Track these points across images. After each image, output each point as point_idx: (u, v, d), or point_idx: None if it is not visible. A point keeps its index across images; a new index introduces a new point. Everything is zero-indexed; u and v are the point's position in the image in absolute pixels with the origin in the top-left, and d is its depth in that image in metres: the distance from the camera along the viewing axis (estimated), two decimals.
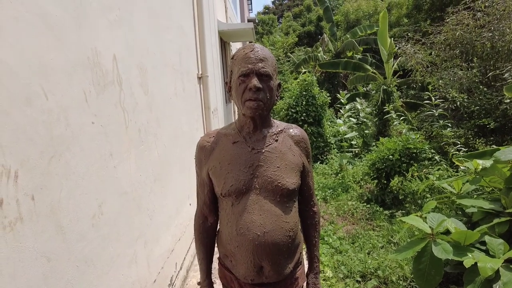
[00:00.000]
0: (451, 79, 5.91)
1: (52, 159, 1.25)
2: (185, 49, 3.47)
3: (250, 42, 1.28)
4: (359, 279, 2.86)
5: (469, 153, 3.40)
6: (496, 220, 2.20)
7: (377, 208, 4.20)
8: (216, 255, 1.38)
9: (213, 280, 1.42)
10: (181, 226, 2.94)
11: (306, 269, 1.40)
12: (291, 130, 1.27)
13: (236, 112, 8.37)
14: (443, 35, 6.37)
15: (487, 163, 2.54)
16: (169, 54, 2.89)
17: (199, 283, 2.08)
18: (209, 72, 4.24)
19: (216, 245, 1.36)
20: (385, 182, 4.52)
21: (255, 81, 1.08)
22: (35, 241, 1.14)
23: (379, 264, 2.98)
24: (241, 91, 1.12)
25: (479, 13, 5.90)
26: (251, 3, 21.61)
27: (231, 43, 8.25)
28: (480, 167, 2.59)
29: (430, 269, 2.08)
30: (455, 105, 5.72)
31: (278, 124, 1.27)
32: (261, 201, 1.13)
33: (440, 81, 6.18)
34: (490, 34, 5.38)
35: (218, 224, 1.30)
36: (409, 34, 8.43)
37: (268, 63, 1.12)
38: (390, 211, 4.14)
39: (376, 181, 4.61)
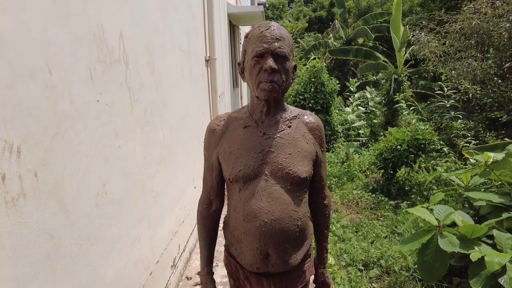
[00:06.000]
0: (465, 69, 5.74)
1: (55, 135, 1.23)
2: (193, 31, 3.40)
3: None
4: (361, 267, 2.85)
5: (480, 145, 3.33)
6: (505, 215, 2.16)
7: (382, 198, 4.17)
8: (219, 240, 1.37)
9: (216, 264, 1.41)
10: (185, 209, 2.95)
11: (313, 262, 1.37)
12: (305, 117, 1.21)
13: (244, 98, 8.31)
14: (459, 24, 6.16)
15: (499, 156, 2.48)
16: (177, 34, 2.83)
17: (199, 273, 2.07)
18: (217, 55, 4.17)
19: (223, 232, 1.34)
20: (391, 172, 4.46)
21: (270, 62, 1.02)
22: (38, 217, 1.13)
23: (382, 253, 2.96)
24: (255, 72, 1.06)
25: (498, 1, 5.68)
26: None
27: (240, 26, 8.12)
28: (491, 160, 2.53)
29: (435, 262, 2.07)
30: (467, 96, 5.59)
31: (292, 110, 1.21)
32: (270, 188, 1.09)
33: (453, 71, 6.02)
34: (509, 25, 5.18)
35: (226, 211, 1.28)
36: (423, 22, 8.20)
37: (285, 43, 1.06)
38: (395, 201, 4.11)
39: (382, 171, 4.56)
